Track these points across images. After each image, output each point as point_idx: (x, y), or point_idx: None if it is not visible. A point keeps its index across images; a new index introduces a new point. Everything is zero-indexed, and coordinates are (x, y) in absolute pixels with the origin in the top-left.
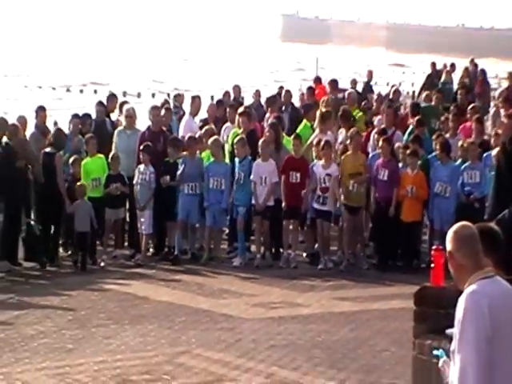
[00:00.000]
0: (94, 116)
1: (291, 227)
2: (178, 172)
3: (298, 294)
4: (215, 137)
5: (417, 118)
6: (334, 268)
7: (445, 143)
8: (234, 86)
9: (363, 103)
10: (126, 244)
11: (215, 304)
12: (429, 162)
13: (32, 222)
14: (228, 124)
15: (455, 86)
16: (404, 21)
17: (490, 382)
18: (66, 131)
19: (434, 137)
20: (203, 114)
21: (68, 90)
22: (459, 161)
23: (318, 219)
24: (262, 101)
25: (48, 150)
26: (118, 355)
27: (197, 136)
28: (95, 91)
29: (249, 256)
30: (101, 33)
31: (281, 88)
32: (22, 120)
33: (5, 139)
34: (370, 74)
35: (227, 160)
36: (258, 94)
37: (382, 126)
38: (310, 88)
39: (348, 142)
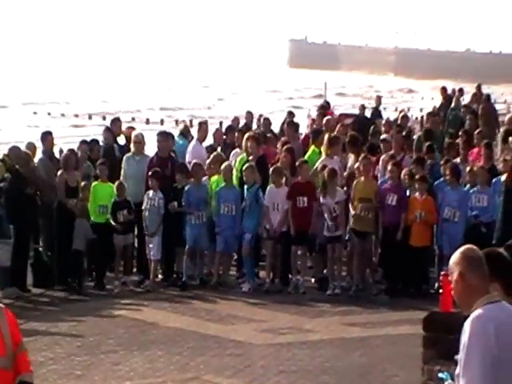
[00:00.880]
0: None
1: (299, 252)
2: (183, 201)
3: (306, 319)
4: (227, 162)
5: (427, 143)
6: (343, 293)
7: (455, 168)
8: (246, 112)
9: (371, 128)
10: (135, 270)
11: (224, 330)
12: (433, 186)
13: (40, 248)
14: (237, 150)
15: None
16: (412, 45)
17: None
18: None
19: (441, 162)
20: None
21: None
22: (467, 186)
23: (329, 244)
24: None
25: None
26: (127, 381)
27: (207, 162)
28: (104, 118)
29: (257, 282)
30: (114, 61)
31: (291, 114)
32: (31, 146)
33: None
34: (379, 99)
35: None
36: (267, 120)
37: (391, 152)
38: (319, 114)
39: (356, 166)
